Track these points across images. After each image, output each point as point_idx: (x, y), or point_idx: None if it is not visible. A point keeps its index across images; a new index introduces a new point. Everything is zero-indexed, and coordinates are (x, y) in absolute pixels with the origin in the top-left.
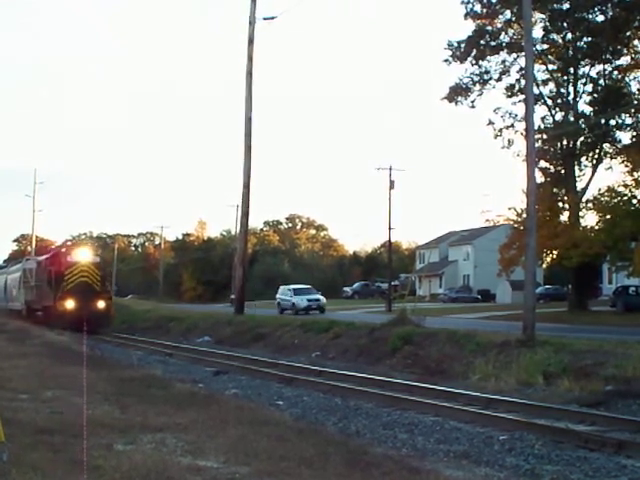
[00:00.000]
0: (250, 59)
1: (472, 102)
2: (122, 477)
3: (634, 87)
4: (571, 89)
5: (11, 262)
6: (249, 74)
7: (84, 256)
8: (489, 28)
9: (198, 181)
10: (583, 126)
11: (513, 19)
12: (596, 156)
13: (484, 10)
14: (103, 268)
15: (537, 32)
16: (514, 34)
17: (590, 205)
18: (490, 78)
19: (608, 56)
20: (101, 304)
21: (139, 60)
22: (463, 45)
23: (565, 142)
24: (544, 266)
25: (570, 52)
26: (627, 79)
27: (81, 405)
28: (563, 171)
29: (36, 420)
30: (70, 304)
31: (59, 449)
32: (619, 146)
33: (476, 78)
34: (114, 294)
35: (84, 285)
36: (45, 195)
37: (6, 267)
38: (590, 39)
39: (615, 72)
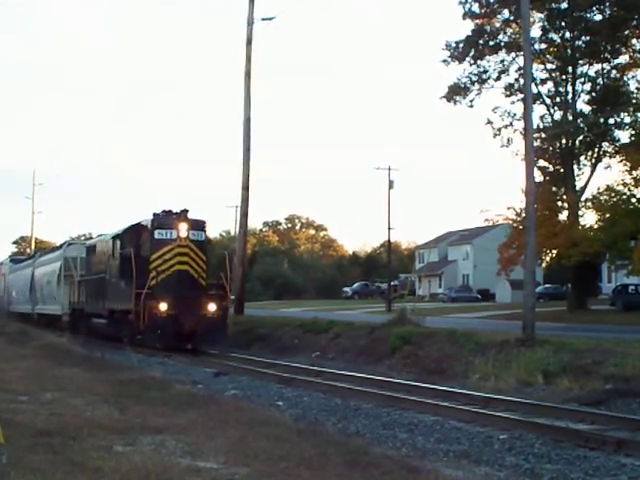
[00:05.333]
0: (248, 60)
1: (471, 101)
2: (122, 479)
3: (632, 86)
4: (570, 88)
5: (39, 251)
6: (247, 75)
7: (182, 230)
8: (487, 28)
9: (197, 182)
10: (582, 125)
11: (511, 18)
12: (595, 155)
13: (482, 10)
14: (211, 250)
15: (535, 31)
16: (512, 33)
17: (589, 204)
18: (489, 77)
19: (606, 55)
20: (211, 307)
21: (137, 61)
22: (461, 45)
23: (564, 141)
24: (543, 265)
25: (568, 51)
26: (625, 78)
27: (80, 407)
28: (562, 170)
29: (35, 422)
30: (163, 307)
31: (58, 451)
32: (618, 145)
33: (475, 78)
34: None
35: (183, 277)
36: (44, 197)
37: (31, 258)
38: (588, 38)
39: (613, 71)
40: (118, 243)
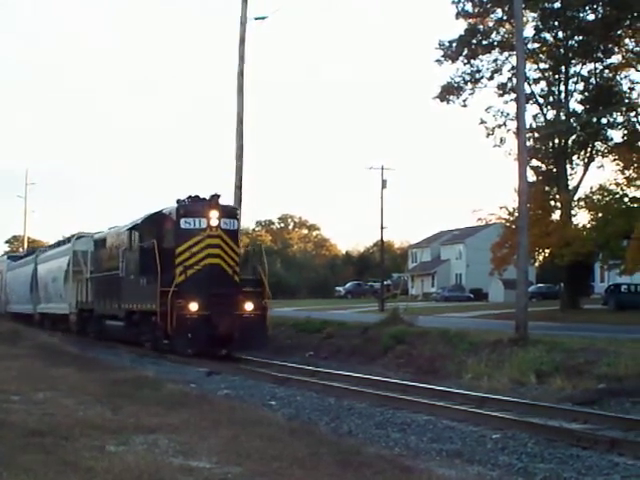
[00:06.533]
0: (242, 59)
1: (464, 101)
2: (114, 478)
3: (625, 86)
4: (562, 88)
5: (39, 248)
6: (240, 74)
7: (213, 219)
8: (480, 27)
9: (191, 181)
10: (574, 124)
11: (504, 18)
12: (588, 154)
13: (475, 9)
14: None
15: (528, 31)
16: (506, 33)
17: (582, 203)
18: (482, 77)
19: (599, 55)
20: (248, 306)
21: (133, 61)
22: (455, 44)
23: (557, 141)
24: (536, 265)
25: (561, 51)
26: (618, 77)
27: (73, 407)
28: (555, 170)
29: (28, 422)
30: (193, 307)
31: (50, 451)
32: (610, 144)
33: (468, 77)
34: None
35: (215, 272)
36: (38, 196)
37: (32, 255)
38: (581, 38)
39: (606, 71)
40: (136, 235)
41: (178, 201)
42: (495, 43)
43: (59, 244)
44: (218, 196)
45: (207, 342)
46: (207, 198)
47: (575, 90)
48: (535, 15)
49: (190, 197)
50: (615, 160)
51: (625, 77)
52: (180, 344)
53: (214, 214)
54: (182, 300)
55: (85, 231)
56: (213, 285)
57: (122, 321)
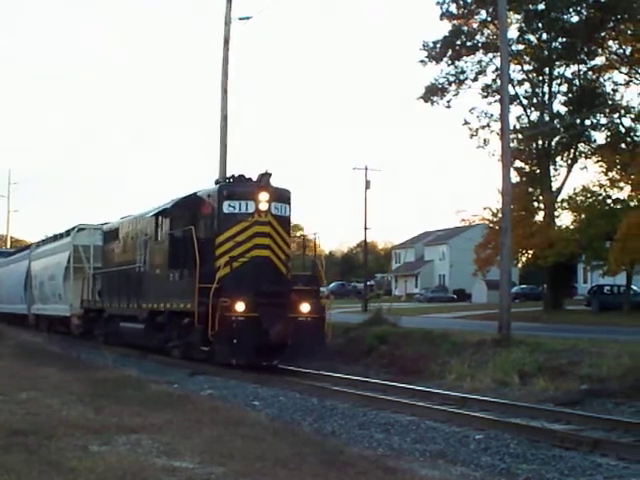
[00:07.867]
0: (226, 60)
1: (448, 102)
2: (97, 478)
3: (609, 87)
4: (546, 89)
5: (33, 244)
6: (225, 75)
7: (262, 202)
8: (465, 28)
9: (177, 179)
10: (558, 126)
11: (489, 19)
12: (571, 156)
13: (460, 10)
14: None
15: (513, 32)
16: (490, 34)
17: (565, 205)
18: (466, 78)
19: (583, 56)
20: (304, 307)
21: (115, 57)
22: (439, 45)
23: (540, 142)
24: (519, 266)
25: (545, 52)
26: (602, 79)
27: (56, 406)
28: (538, 171)
29: (10, 421)
30: (239, 307)
31: (33, 450)
32: (594, 146)
33: (452, 78)
34: None
35: (264, 266)
36: (21, 196)
37: (25, 250)
38: (565, 39)
39: (590, 72)
40: (166, 222)
41: (217, 182)
42: (479, 44)
43: (55, 238)
44: (269, 175)
45: (255, 350)
46: (256, 178)
47: (559, 92)
48: (519, 17)
49: (233, 177)
50: (598, 162)
51: (609, 79)
52: (222, 352)
53: (264, 197)
54: (226, 299)
55: (86, 223)
56: (262, 281)
57: (142, 323)
